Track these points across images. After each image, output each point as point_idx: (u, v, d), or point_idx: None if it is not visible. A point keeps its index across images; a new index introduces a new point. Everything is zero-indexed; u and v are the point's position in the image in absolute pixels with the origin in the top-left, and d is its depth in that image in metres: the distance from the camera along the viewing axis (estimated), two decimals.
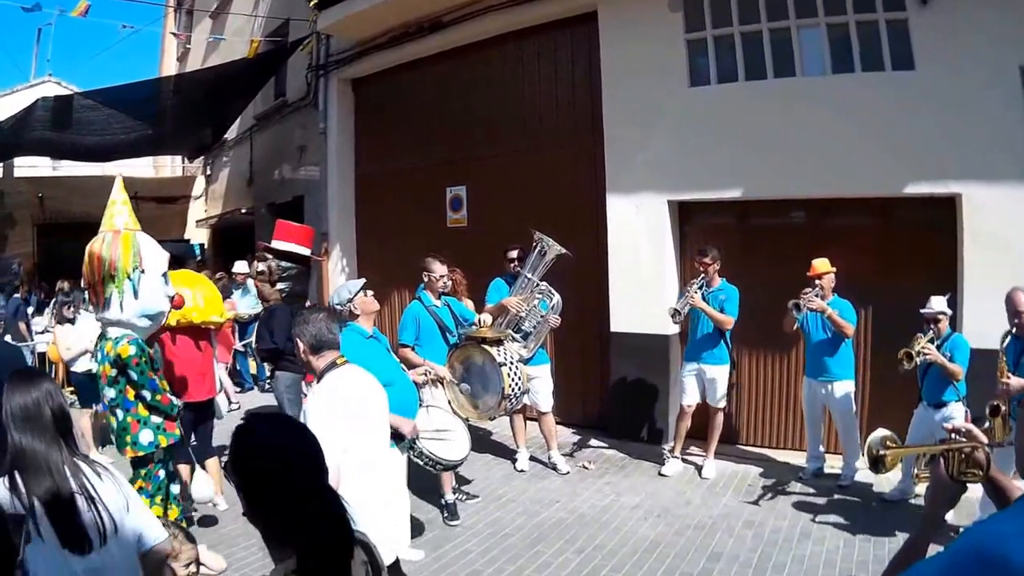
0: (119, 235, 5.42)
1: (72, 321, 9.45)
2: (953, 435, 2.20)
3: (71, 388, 9.71)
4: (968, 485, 2.16)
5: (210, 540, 5.88)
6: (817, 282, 7.17)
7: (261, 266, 8.60)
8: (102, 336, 5.41)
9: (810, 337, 7.40)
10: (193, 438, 6.84)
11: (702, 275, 7.65)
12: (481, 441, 9.04)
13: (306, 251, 7.11)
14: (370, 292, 5.59)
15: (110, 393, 5.26)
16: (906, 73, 7.35)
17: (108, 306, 5.22)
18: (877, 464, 2.54)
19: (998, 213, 6.93)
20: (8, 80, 45.53)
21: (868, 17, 7.59)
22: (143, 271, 5.36)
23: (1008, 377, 5.57)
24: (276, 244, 6.88)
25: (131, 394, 5.28)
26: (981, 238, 7.02)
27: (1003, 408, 5.55)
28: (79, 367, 9.22)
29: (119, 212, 5.63)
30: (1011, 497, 1.99)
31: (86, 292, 5.50)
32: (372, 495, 3.79)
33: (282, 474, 1.97)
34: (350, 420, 3.77)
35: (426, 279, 7.06)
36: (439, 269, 7.03)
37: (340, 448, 3.52)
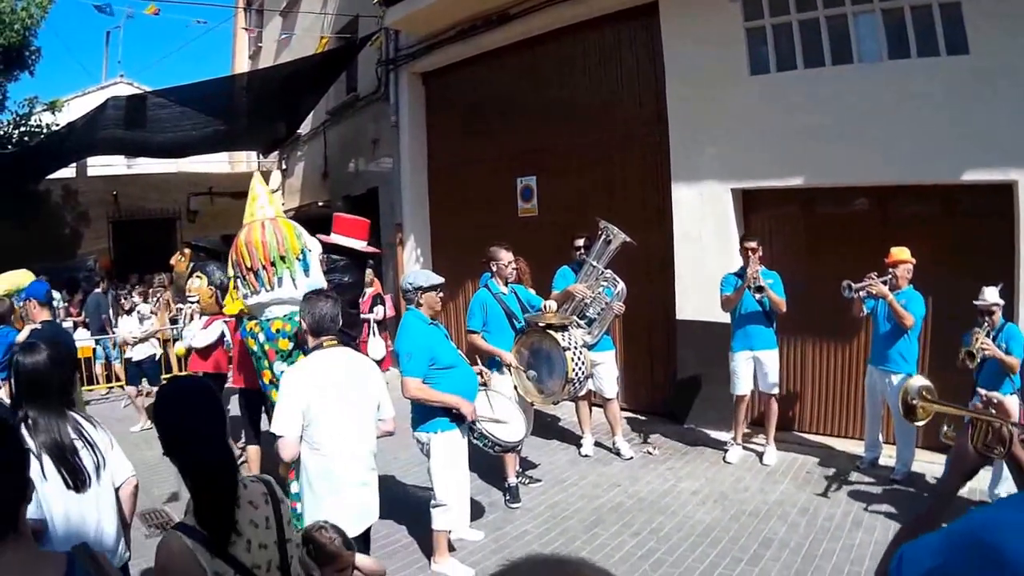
0: (275, 221, 6.01)
1: (129, 312, 10.09)
2: (988, 407, 2.16)
3: None
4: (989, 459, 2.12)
5: None
6: (892, 270, 7.07)
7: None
8: (254, 317, 5.92)
9: (877, 325, 7.32)
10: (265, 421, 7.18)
11: (751, 261, 7.58)
12: (548, 427, 9.29)
13: (356, 244, 7.46)
14: (441, 294, 5.82)
15: (281, 367, 5.58)
16: (960, 58, 7.24)
17: (281, 285, 5.72)
18: (910, 412, 2.53)
19: None
20: (80, 83, 46.91)
21: (922, 1, 7.49)
22: (310, 250, 5.95)
23: None
24: (333, 238, 7.28)
25: None
26: None
27: None
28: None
29: (270, 202, 6.34)
30: None
31: (238, 279, 5.95)
32: (333, 462, 4.23)
33: (176, 423, 2.54)
34: (318, 396, 4.16)
35: (493, 267, 7.27)
36: (506, 257, 7.22)
37: (299, 412, 4.11)
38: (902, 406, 2.48)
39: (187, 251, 10.24)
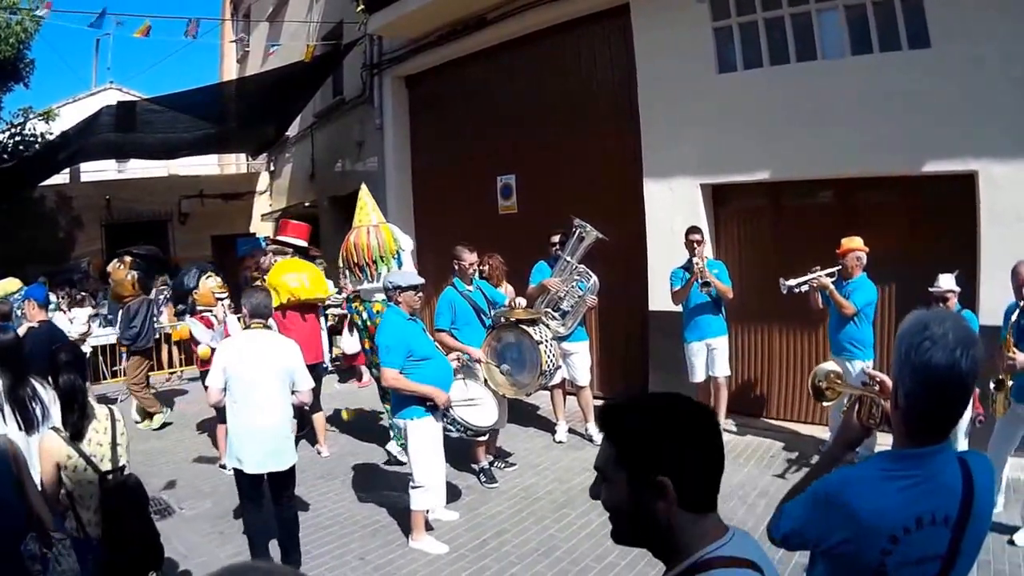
0: (378, 227, 7.99)
1: (81, 303, 10.57)
2: (874, 383, 2.38)
3: None
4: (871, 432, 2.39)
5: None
6: (842, 260, 7.26)
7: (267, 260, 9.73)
8: (359, 299, 8.02)
9: (832, 316, 7.47)
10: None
11: (696, 252, 7.88)
12: (526, 415, 9.59)
13: (298, 242, 9.66)
14: (420, 294, 6.28)
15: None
16: (922, 51, 7.45)
17: (379, 278, 7.45)
18: (819, 395, 2.80)
19: (1015, 189, 6.97)
20: (70, 89, 47.13)
21: None
22: (403, 250, 7.90)
23: (1015, 352, 5.56)
24: (281, 238, 8.82)
25: None
26: (998, 214, 7.08)
27: (1008, 383, 5.72)
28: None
29: (373, 210, 8.23)
30: None
31: (348, 271, 8.07)
32: (243, 412, 5.47)
33: (62, 363, 4.37)
34: (237, 360, 5.49)
35: (457, 267, 7.57)
36: (469, 257, 7.53)
37: (221, 371, 5.49)
38: (812, 390, 2.77)
39: (127, 259, 10.55)
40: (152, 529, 4.46)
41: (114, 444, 4.36)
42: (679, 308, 8.36)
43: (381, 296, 7.31)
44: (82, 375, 4.46)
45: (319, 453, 8.63)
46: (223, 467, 8.05)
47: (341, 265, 8.20)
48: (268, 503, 5.70)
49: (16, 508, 3.91)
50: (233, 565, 1.16)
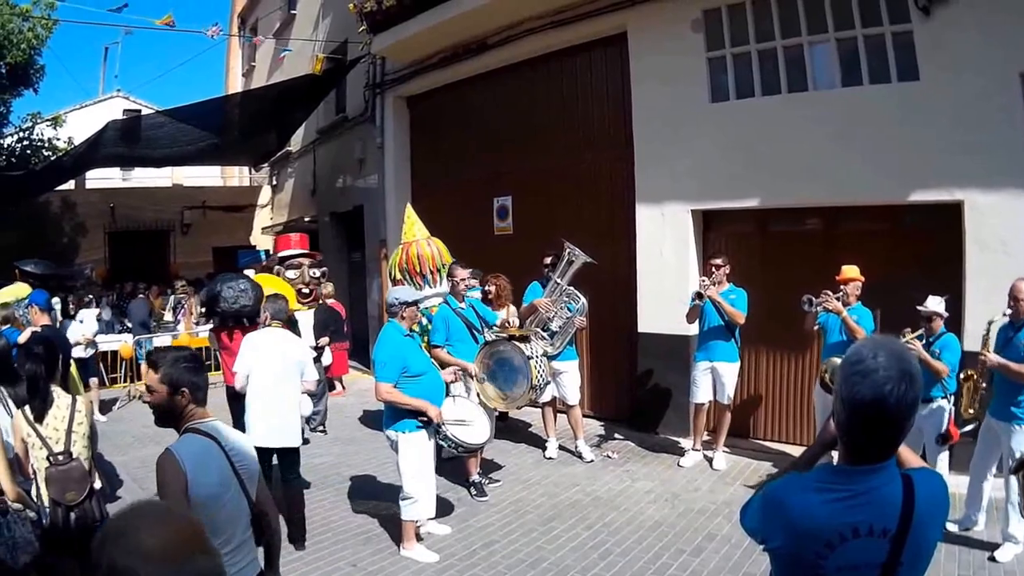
0: (431, 240, 8.86)
1: (73, 317, 10.69)
2: None
3: None
4: None
5: None
6: (843, 287, 7.38)
7: (292, 273, 9.91)
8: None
9: (827, 339, 7.59)
10: None
11: (712, 276, 8.07)
12: (517, 432, 9.84)
13: (297, 250, 10.77)
14: (417, 309, 6.59)
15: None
16: (911, 84, 7.67)
17: (440, 284, 8.41)
18: (828, 389, 2.96)
19: (999, 218, 7.17)
20: (77, 97, 47.50)
21: (875, 31, 7.95)
22: (455, 261, 8.40)
23: (987, 352, 5.85)
24: (283, 253, 9.31)
25: None
26: (983, 243, 7.27)
27: (975, 380, 6.01)
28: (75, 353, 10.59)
29: (420, 226, 9.06)
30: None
31: (409, 280, 8.67)
32: (259, 394, 6.45)
33: (31, 353, 5.01)
34: (255, 353, 6.57)
35: (451, 284, 7.77)
36: (462, 274, 7.73)
37: (249, 361, 6.54)
38: (821, 385, 3.01)
39: (16, 273, 10.62)
40: (92, 513, 4.91)
41: (69, 431, 4.89)
42: (685, 330, 8.72)
43: (437, 301, 8.17)
44: (47, 366, 4.99)
45: None
46: None
47: (399, 276, 8.80)
48: (277, 481, 6.47)
49: None
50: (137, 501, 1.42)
